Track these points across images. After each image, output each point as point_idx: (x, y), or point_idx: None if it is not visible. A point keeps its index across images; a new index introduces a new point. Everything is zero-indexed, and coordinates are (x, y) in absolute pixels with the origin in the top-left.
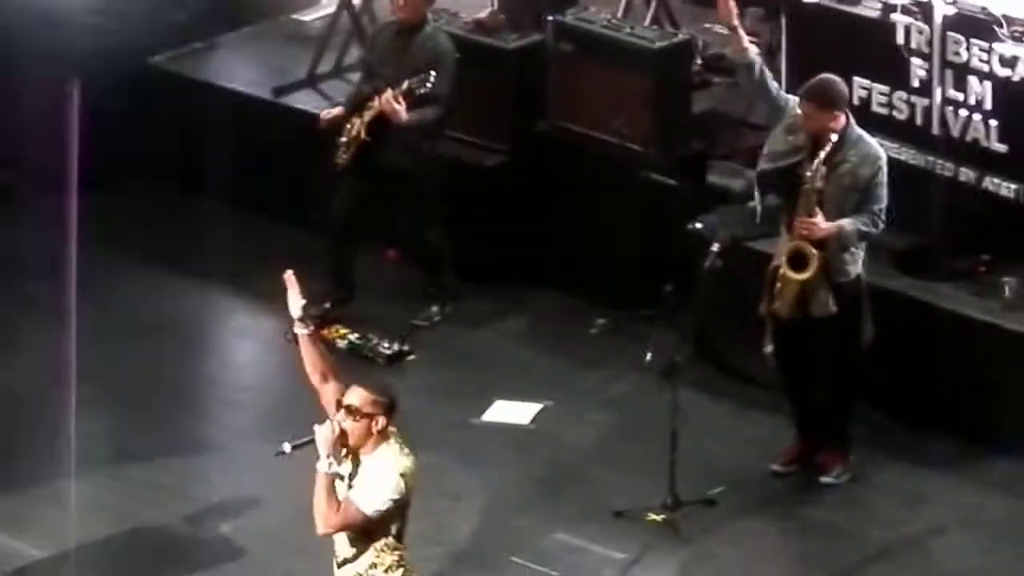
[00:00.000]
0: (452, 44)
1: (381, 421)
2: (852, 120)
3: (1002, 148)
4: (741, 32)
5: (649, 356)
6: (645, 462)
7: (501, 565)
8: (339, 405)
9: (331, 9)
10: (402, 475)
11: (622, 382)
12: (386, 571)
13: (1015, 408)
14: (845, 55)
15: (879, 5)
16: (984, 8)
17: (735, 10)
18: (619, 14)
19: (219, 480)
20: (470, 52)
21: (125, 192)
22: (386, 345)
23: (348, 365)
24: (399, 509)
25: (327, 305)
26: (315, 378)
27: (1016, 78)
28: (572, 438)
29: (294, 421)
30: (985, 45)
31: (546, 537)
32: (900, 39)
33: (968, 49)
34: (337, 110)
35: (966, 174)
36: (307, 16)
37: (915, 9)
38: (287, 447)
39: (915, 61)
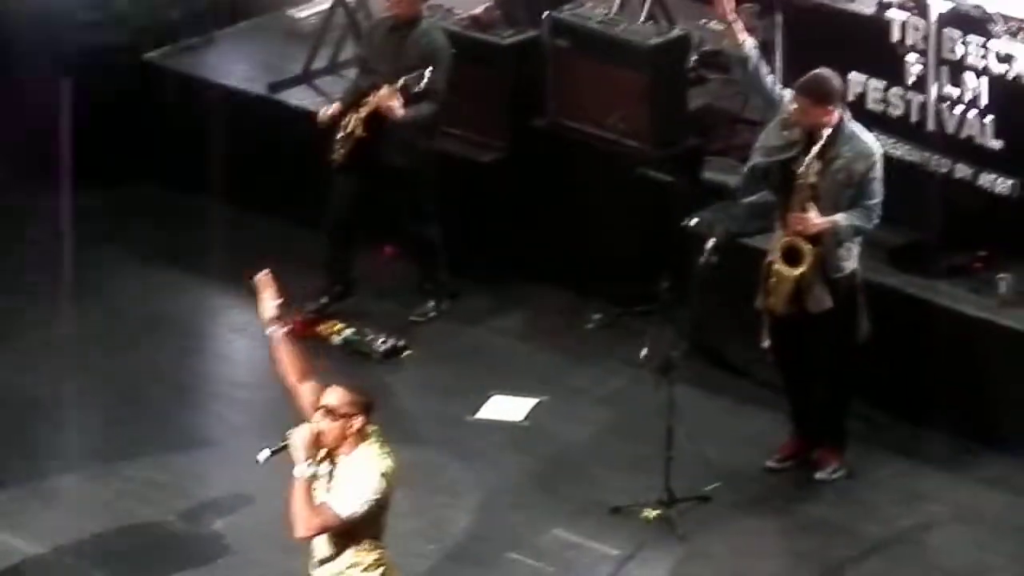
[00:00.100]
0: (448, 40)
1: (359, 421)
2: (848, 115)
3: (997, 144)
4: (738, 24)
5: (645, 352)
6: (641, 458)
7: (498, 561)
8: (317, 405)
9: (326, 5)
10: (383, 475)
11: (618, 378)
12: (365, 570)
13: (1011, 404)
14: (841, 51)
15: (875, 1)
16: (979, 5)
17: (732, 3)
18: (615, 10)
19: (216, 476)
20: (466, 48)
21: (121, 188)
22: (382, 341)
23: (344, 361)
24: (379, 509)
25: (324, 300)
26: (291, 379)
27: (1011, 75)
28: (568, 434)
29: (291, 418)
30: (981, 41)
31: (543, 533)
32: (896, 35)
33: (964, 45)
34: (335, 107)
35: (962, 170)
36: (302, 12)
37: (911, 5)
38: (265, 453)
39: (911, 57)
